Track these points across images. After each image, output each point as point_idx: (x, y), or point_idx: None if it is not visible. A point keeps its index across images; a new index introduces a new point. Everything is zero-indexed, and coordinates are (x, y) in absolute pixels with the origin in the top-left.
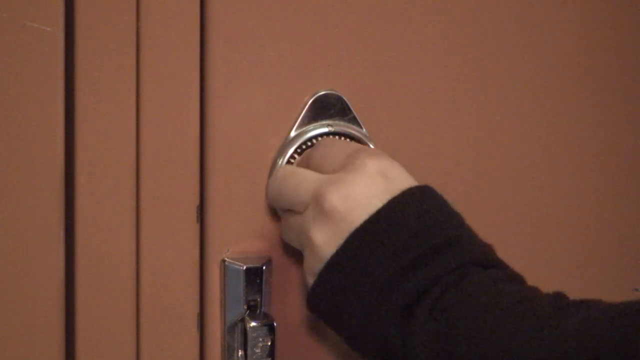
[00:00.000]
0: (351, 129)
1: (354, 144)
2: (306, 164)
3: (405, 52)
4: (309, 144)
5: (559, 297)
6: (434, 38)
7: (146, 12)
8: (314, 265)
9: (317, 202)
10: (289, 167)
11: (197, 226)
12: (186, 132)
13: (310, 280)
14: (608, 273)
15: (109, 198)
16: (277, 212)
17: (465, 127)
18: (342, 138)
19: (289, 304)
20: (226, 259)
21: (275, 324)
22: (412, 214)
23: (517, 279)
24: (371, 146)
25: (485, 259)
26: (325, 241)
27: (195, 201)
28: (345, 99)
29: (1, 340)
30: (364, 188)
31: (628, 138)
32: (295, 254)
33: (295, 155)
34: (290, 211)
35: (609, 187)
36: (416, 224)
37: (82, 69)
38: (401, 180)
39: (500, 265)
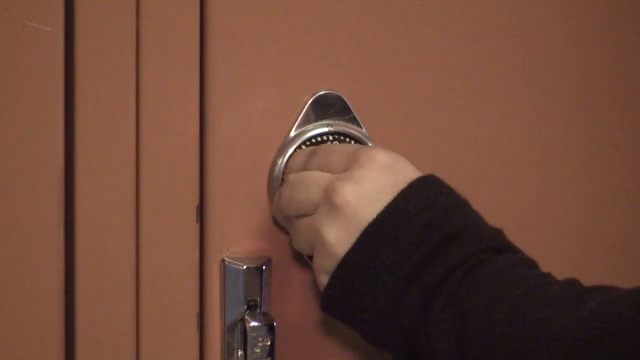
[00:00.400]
0: (351, 129)
1: (353, 145)
2: (307, 167)
3: (405, 52)
4: (309, 144)
5: (573, 283)
6: (434, 38)
7: (146, 12)
8: (326, 264)
9: (328, 197)
10: (302, 173)
11: (197, 226)
12: (186, 132)
13: (324, 280)
14: (608, 273)
15: (109, 198)
16: (282, 223)
17: (465, 127)
18: (342, 138)
19: (289, 304)
20: (226, 259)
21: (275, 324)
22: (422, 206)
23: (530, 264)
24: (371, 146)
25: (498, 244)
26: (338, 239)
27: (195, 201)
28: (345, 99)
29: (1, 340)
30: (373, 182)
31: (629, 138)
32: (296, 253)
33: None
34: (299, 217)
35: (610, 187)
36: (427, 216)
37: (82, 69)
38: (406, 173)
39: (513, 249)
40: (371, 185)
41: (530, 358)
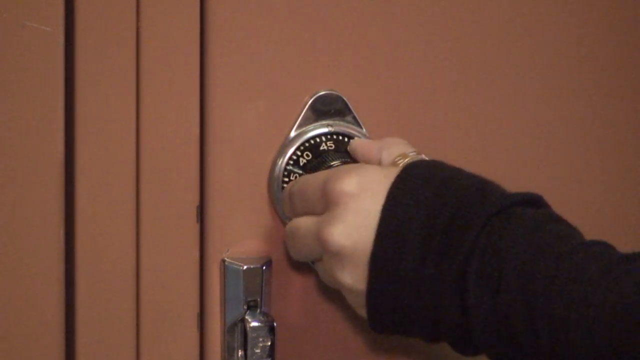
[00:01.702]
0: (351, 129)
1: (320, 174)
2: (293, 212)
3: (406, 52)
4: (309, 144)
5: (604, 247)
6: (434, 38)
7: (146, 12)
8: (357, 300)
9: (324, 248)
10: (292, 222)
11: (197, 226)
12: (186, 132)
13: (363, 312)
14: None
15: (109, 198)
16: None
17: (465, 127)
18: (342, 138)
19: (289, 304)
20: (226, 259)
21: (275, 324)
22: (411, 206)
23: (553, 216)
24: (334, 168)
25: (507, 203)
26: (353, 279)
27: (195, 201)
28: (345, 99)
29: (1, 340)
30: (354, 213)
31: (629, 137)
32: None
33: (298, 153)
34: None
35: (610, 186)
36: (422, 213)
37: (82, 69)
38: (378, 182)
39: (523, 199)
40: (354, 218)
41: (568, 340)
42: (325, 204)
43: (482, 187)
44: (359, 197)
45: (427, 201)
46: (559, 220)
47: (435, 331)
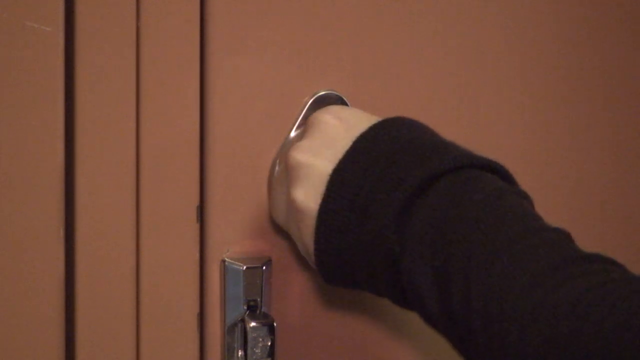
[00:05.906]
0: None
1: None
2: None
3: (405, 52)
4: None
5: (563, 241)
6: (434, 38)
7: (146, 12)
8: (306, 229)
9: (286, 166)
10: None
11: (197, 226)
12: (186, 132)
13: (310, 243)
14: None
15: (109, 198)
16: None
17: (465, 127)
18: None
19: (289, 304)
20: (226, 259)
21: (275, 324)
22: (387, 138)
23: (520, 193)
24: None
25: (480, 162)
26: (305, 196)
27: (195, 201)
28: (345, 99)
29: (1, 340)
30: (322, 135)
31: (630, 136)
32: (296, 253)
33: None
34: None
35: (610, 186)
36: (394, 145)
37: (82, 69)
38: (360, 120)
39: (496, 169)
40: (321, 139)
41: (501, 330)
42: (305, 130)
43: (437, 148)
44: (332, 124)
45: (398, 143)
46: (518, 193)
47: (373, 277)
